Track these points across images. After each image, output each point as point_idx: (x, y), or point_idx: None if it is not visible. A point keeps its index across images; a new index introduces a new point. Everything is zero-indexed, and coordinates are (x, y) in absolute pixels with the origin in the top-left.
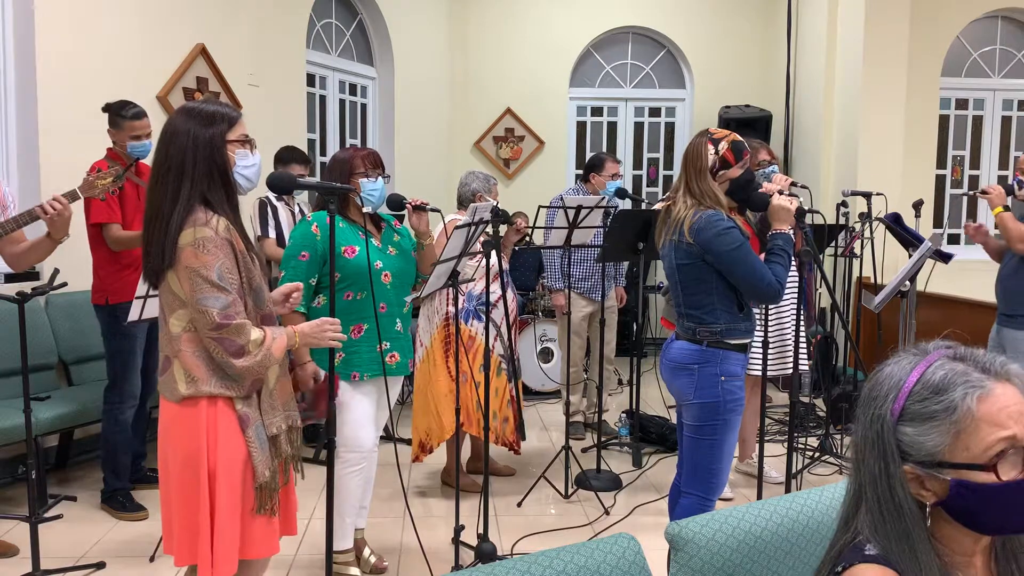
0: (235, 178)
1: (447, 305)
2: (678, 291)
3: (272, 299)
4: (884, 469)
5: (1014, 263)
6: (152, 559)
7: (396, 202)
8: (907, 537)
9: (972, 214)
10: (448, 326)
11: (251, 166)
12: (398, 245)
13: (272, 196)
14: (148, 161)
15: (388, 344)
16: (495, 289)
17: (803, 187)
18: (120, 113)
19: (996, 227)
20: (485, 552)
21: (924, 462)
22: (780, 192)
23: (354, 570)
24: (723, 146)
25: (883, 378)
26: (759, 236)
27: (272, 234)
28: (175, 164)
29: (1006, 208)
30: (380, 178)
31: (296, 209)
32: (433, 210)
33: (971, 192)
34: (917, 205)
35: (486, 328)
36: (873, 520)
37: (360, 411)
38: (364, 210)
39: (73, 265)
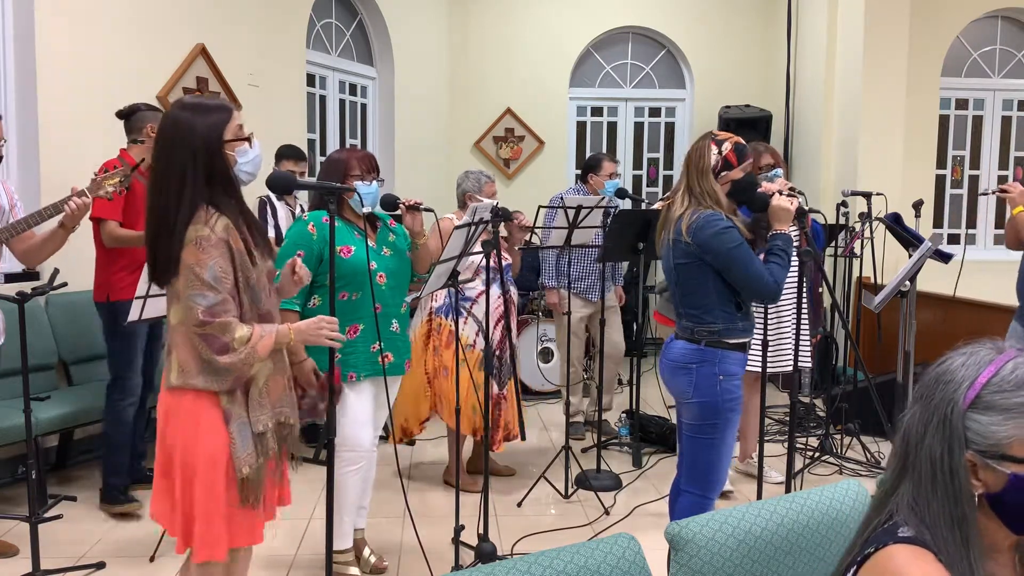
0: (237, 175)
1: (431, 301)
2: (676, 290)
3: (284, 283)
4: (948, 452)
5: None
6: (152, 559)
7: (390, 202)
8: (962, 521)
9: (972, 214)
10: (431, 321)
11: (251, 159)
12: (393, 245)
13: (273, 196)
14: None
15: (382, 344)
16: (477, 285)
17: (799, 193)
18: (154, 110)
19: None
20: (485, 552)
21: (986, 452)
22: (780, 192)
23: (354, 570)
24: (726, 147)
25: (956, 365)
26: (752, 234)
27: (272, 234)
28: (177, 171)
29: None
30: (375, 182)
31: (297, 209)
32: (427, 210)
33: (990, 191)
34: (917, 205)
35: (485, 325)
36: (922, 500)
37: (358, 410)
38: (364, 210)
39: (73, 265)
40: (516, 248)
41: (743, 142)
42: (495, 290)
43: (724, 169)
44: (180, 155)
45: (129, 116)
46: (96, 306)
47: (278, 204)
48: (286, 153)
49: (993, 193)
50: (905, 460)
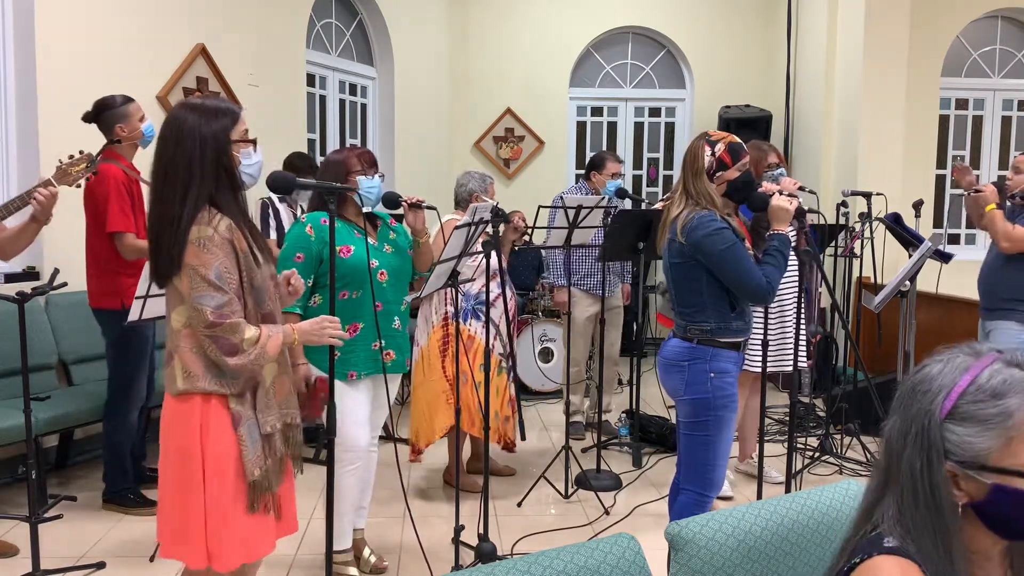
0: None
1: (446, 305)
2: (672, 289)
3: (280, 293)
4: (927, 465)
5: (997, 260)
6: (152, 559)
7: (392, 200)
8: (945, 534)
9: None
10: (447, 326)
11: (253, 164)
12: (394, 243)
13: (275, 197)
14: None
15: (383, 342)
16: (493, 288)
17: (811, 192)
18: (120, 105)
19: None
20: (485, 552)
21: (966, 463)
22: (780, 192)
23: (352, 570)
24: (720, 148)
25: (933, 374)
26: (753, 234)
27: (273, 235)
28: (183, 167)
29: (998, 206)
30: (376, 176)
31: (298, 210)
32: (429, 207)
33: (967, 192)
34: (917, 205)
35: (486, 327)
36: (904, 513)
37: (355, 410)
38: (364, 209)
39: (73, 265)
40: (513, 248)
41: (738, 141)
42: (505, 291)
43: (719, 170)
44: (187, 147)
45: (97, 118)
46: (105, 314)
47: (280, 206)
48: (296, 163)
49: (970, 193)
50: (888, 471)
